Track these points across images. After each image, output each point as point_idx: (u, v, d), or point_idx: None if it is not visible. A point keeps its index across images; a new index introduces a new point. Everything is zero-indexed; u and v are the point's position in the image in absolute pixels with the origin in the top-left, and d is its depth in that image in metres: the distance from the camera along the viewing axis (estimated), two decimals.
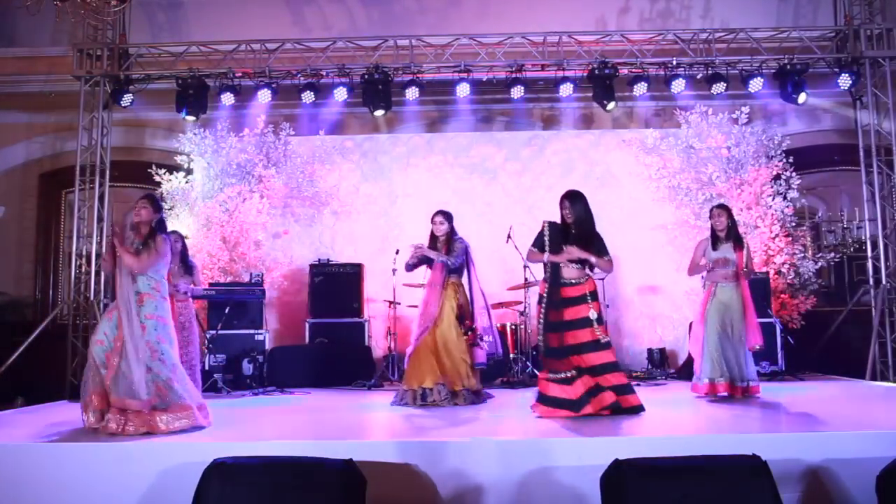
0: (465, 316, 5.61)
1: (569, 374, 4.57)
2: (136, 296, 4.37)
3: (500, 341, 6.17)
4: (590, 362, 4.60)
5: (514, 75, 7.97)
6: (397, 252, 6.59)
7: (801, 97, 7.84)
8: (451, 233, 5.72)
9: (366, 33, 8.45)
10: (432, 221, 5.75)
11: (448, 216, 5.76)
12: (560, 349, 4.62)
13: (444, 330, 5.52)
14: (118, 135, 8.63)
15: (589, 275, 4.79)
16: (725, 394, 5.40)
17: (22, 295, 8.97)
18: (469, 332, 5.57)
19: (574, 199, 4.76)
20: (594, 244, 4.74)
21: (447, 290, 5.60)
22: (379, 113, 8.08)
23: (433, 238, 5.74)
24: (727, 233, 5.54)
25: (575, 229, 4.74)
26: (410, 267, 5.78)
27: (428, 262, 5.68)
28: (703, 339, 5.50)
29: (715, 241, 5.59)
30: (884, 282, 7.69)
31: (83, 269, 8.04)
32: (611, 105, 7.91)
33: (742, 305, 5.43)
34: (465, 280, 5.75)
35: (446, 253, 5.62)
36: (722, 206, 5.68)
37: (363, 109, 8.21)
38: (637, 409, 4.61)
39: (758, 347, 5.45)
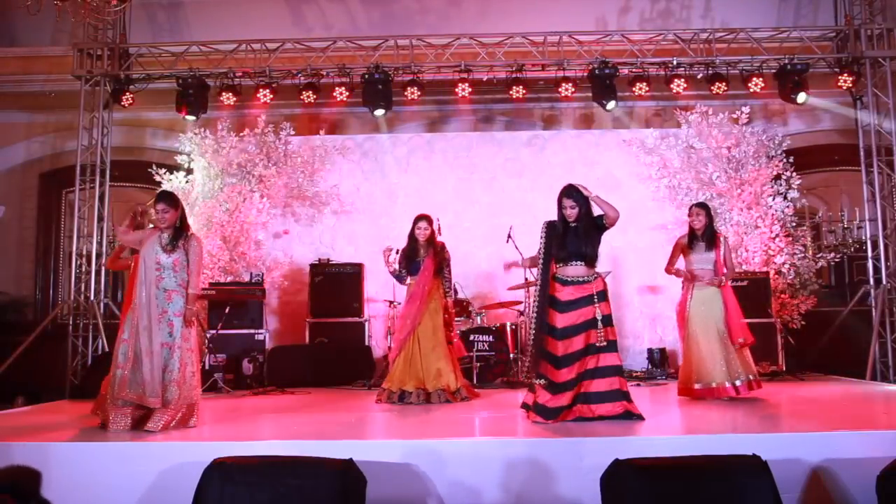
0: (447, 315, 5.81)
1: (561, 383, 4.38)
2: (164, 293, 4.43)
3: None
4: (586, 366, 4.43)
5: (514, 75, 7.97)
6: (396, 251, 6.58)
7: (801, 97, 7.84)
8: (433, 235, 5.86)
9: (366, 33, 8.45)
10: (417, 226, 5.84)
11: (431, 220, 5.88)
12: (563, 357, 4.41)
13: (427, 329, 5.64)
14: (118, 134, 8.63)
15: (598, 273, 4.62)
16: (704, 398, 5.28)
17: (22, 294, 8.97)
18: (450, 331, 5.77)
19: (577, 194, 4.55)
20: (596, 238, 4.59)
21: (432, 290, 5.72)
22: (379, 113, 8.07)
23: (414, 241, 5.84)
24: (704, 231, 5.50)
25: (578, 224, 4.55)
26: (401, 277, 5.93)
27: (411, 259, 5.85)
28: (685, 342, 5.42)
29: (692, 239, 5.55)
30: (884, 282, 7.69)
31: (83, 269, 8.04)
32: (611, 104, 7.92)
33: (723, 304, 5.36)
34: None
35: (434, 257, 5.77)
36: (701, 205, 5.61)
37: (363, 109, 8.21)
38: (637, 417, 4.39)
39: (741, 342, 5.31)
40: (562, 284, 4.55)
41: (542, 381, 4.44)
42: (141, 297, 4.38)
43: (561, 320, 4.47)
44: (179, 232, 4.54)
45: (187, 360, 4.43)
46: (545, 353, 4.47)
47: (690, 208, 5.67)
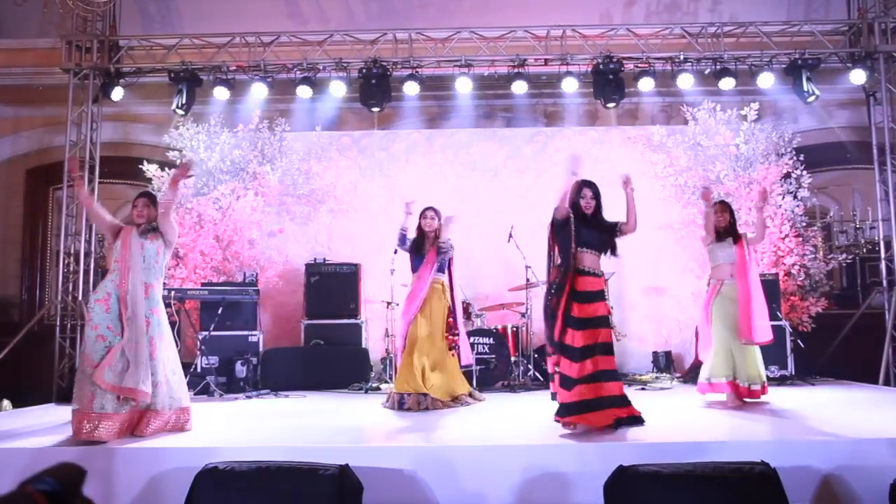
0: (451, 319, 5.78)
1: (576, 377, 4.30)
2: (142, 286, 4.37)
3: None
4: (599, 367, 4.37)
5: (516, 70, 7.96)
6: (396, 252, 6.59)
7: (812, 98, 7.84)
8: (439, 229, 5.82)
9: (364, 26, 8.44)
10: (423, 216, 5.84)
11: (438, 213, 5.84)
12: (583, 349, 4.32)
13: (426, 331, 5.63)
14: (108, 130, 8.62)
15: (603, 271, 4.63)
16: (728, 391, 5.39)
17: (8, 294, 8.97)
18: (451, 336, 5.70)
19: (596, 188, 4.60)
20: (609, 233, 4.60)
21: (435, 287, 5.71)
22: (375, 110, 8.05)
23: (421, 233, 5.81)
24: (728, 228, 5.63)
25: (593, 218, 4.57)
26: (404, 241, 5.83)
27: (416, 254, 5.79)
28: (710, 338, 5.53)
29: (718, 237, 5.64)
30: None
31: (71, 268, 8.02)
32: (611, 104, 7.93)
33: (738, 300, 5.44)
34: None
35: (435, 251, 5.73)
36: (724, 203, 5.77)
37: (361, 105, 8.20)
38: (638, 420, 4.40)
39: (744, 342, 5.34)
40: (579, 274, 4.47)
41: (565, 375, 4.35)
42: (126, 286, 4.31)
43: (582, 311, 4.39)
44: (154, 228, 4.53)
45: (164, 359, 4.38)
46: (569, 348, 4.36)
47: (715, 204, 5.74)
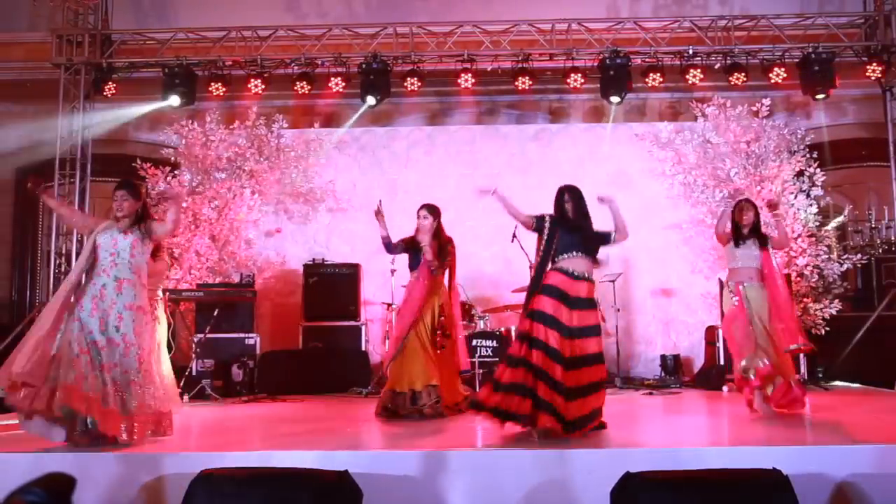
0: (443, 317, 5.66)
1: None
2: (115, 282, 4.26)
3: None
4: (588, 378, 4.31)
5: (520, 65, 7.97)
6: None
7: (820, 95, 7.83)
8: (438, 229, 5.73)
9: (364, 20, 8.46)
10: (417, 216, 5.76)
11: (433, 210, 5.76)
12: (572, 360, 4.27)
13: (422, 332, 5.57)
14: (100, 126, 8.63)
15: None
16: (760, 383, 5.18)
17: None
18: (441, 336, 5.61)
19: (574, 193, 4.71)
20: (592, 240, 4.62)
21: (432, 289, 5.65)
22: (371, 101, 8.02)
23: (418, 233, 5.76)
24: (751, 229, 5.50)
25: (572, 221, 4.65)
26: (392, 248, 5.76)
27: (412, 251, 5.71)
28: (742, 332, 5.29)
29: (738, 237, 5.55)
30: None
31: (62, 269, 8.04)
32: (616, 98, 7.92)
33: (769, 302, 5.32)
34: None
35: (435, 252, 5.62)
36: (748, 201, 5.68)
37: (360, 101, 8.20)
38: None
39: (793, 348, 5.27)
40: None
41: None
42: (96, 286, 4.24)
43: (570, 319, 4.43)
44: (137, 221, 4.40)
45: (140, 360, 4.23)
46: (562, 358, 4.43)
47: (738, 202, 5.65)
